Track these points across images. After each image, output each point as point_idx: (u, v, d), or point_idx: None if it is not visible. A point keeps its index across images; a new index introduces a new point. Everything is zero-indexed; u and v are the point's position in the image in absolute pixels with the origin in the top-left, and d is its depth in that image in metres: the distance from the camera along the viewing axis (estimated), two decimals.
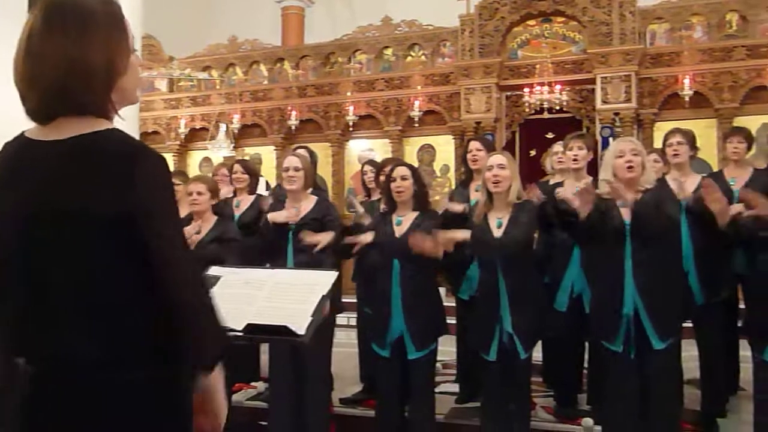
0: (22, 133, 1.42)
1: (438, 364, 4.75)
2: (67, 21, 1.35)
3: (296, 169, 3.98)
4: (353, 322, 5.44)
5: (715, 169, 7.66)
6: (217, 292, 1.92)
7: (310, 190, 4.44)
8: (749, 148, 4.63)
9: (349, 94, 9.94)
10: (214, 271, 2.06)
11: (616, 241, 3.34)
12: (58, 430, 1.33)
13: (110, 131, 1.37)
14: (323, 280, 1.96)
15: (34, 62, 1.35)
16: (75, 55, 1.33)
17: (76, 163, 1.33)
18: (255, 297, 1.87)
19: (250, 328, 1.76)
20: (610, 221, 3.36)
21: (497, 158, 3.64)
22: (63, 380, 1.32)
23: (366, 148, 10.18)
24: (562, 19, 9.23)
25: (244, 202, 5.14)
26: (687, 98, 8.34)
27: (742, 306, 4.06)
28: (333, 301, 3.75)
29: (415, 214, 3.75)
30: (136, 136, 8.56)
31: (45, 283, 1.33)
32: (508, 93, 9.38)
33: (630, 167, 3.36)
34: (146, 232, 1.32)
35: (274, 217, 3.97)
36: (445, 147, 9.74)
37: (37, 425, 1.32)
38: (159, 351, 1.36)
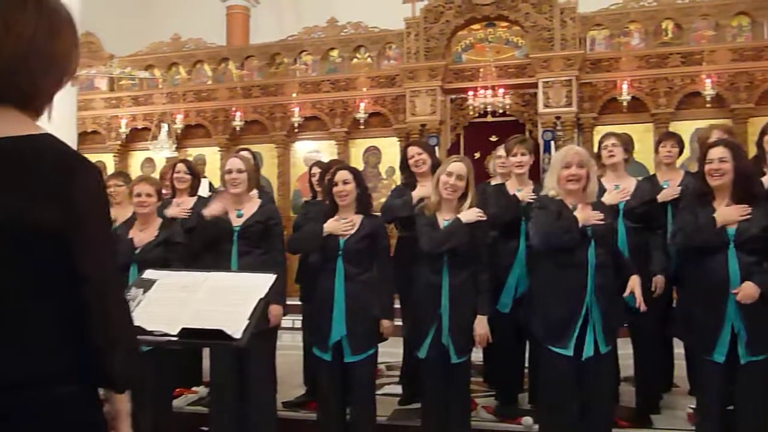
0: None
1: (382, 366, 4.78)
2: (39, 9, 1.29)
3: (239, 171, 3.95)
4: (298, 324, 5.40)
5: (651, 172, 7.93)
6: (152, 296, 1.89)
7: (254, 192, 4.41)
8: (681, 152, 4.79)
9: (294, 95, 9.89)
10: (149, 274, 2.02)
11: (580, 246, 3.39)
12: None
13: (46, 137, 1.29)
14: (262, 282, 1.94)
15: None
16: (43, 42, 1.28)
17: (11, 169, 1.24)
18: (190, 300, 1.84)
19: (185, 333, 1.73)
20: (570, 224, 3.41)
21: (459, 167, 3.63)
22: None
23: (311, 150, 10.14)
24: (506, 23, 9.37)
25: (185, 204, 5.04)
26: (625, 103, 8.58)
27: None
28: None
29: (359, 217, 3.76)
30: (74, 136, 8.37)
31: None
32: (453, 96, 9.48)
33: (571, 180, 3.38)
34: (76, 249, 1.26)
35: (210, 211, 3.93)
36: (390, 149, 9.77)
37: None
38: (79, 369, 1.30)
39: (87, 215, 1.27)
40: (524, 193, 4.21)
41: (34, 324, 1.27)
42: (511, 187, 4.35)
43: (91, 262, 1.28)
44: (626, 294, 3.37)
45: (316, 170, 5.05)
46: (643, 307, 3.38)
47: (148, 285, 1.92)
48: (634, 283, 3.38)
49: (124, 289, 1.44)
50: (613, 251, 3.50)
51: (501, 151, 4.88)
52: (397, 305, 4.55)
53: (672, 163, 4.68)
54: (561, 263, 3.40)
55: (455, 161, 3.72)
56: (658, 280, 4.10)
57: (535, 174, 3.81)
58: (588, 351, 3.34)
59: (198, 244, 3.97)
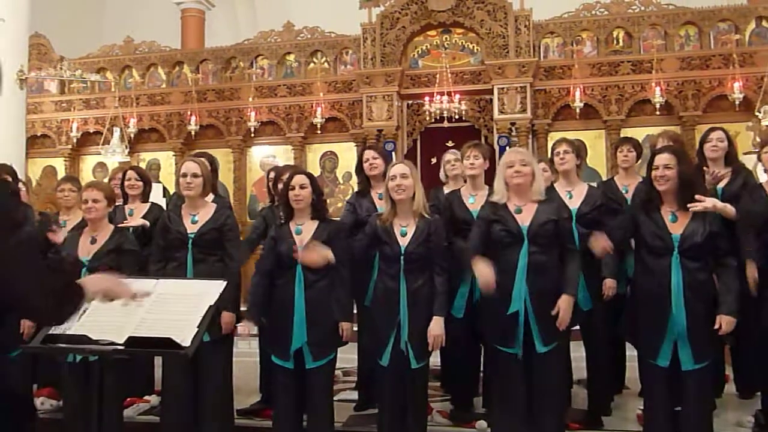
0: None
1: (338, 372, 4.74)
2: None
3: (194, 176, 3.89)
4: (254, 330, 5.34)
5: (604, 178, 8.08)
6: (97, 305, 1.84)
7: (210, 197, 4.35)
8: (639, 157, 4.85)
9: (250, 99, 9.81)
10: None
11: (512, 245, 3.47)
12: None
13: None
14: (211, 289, 1.92)
15: None
16: None
17: None
18: (138, 308, 1.81)
19: (132, 341, 1.69)
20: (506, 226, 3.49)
21: (400, 168, 3.69)
22: None
23: (268, 155, 10.07)
24: (462, 30, 9.46)
25: (138, 210, 4.95)
26: (578, 110, 8.74)
27: None
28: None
29: (315, 222, 3.74)
30: (23, 140, 8.16)
31: None
32: (410, 101, 9.53)
33: (517, 176, 3.53)
34: None
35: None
36: (347, 154, 9.77)
37: None
38: None
39: None
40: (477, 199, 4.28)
41: None
42: (466, 193, 4.38)
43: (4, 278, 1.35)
44: (554, 312, 3.44)
45: (273, 175, 5.00)
46: (562, 328, 3.47)
47: None
48: (562, 304, 3.46)
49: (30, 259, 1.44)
50: (563, 251, 3.55)
51: (449, 155, 4.92)
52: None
53: (630, 167, 4.75)
54: (494, 264, 3.48)
55: (394, 164, 3.83)
56: (608, 284, 4.17)
57: (491, 180, 3.86)
58: (521, 350, 3.44)
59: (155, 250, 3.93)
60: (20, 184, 5.30)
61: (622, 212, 4.26)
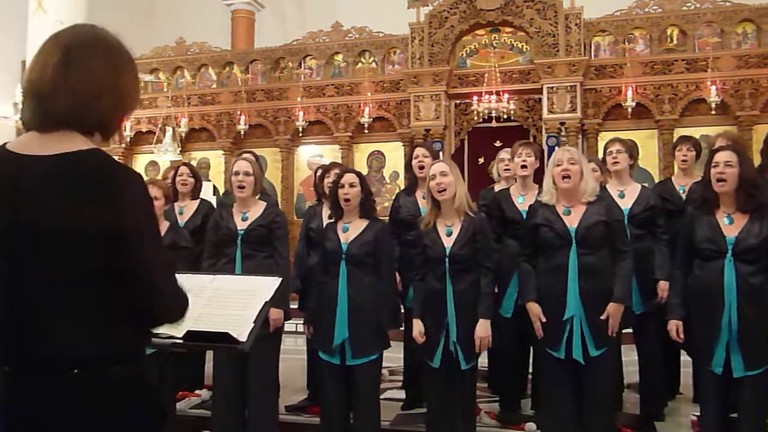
0: (4, 146, 1.50)
1: (384, 371, 4.76)
2: (112, 52, 1.53)
3: (246, 174, 3.94)
4: (301, 328, 5.39)
5: (656, 179, 7.92)
6: None
7: (258, 195, 4.41)
8: (698, 156, 4.70)
9: (298, 99, 9.90)
10: None
11: (561, 248, 3.43)
12: (34, 427, 1.42)
13: (94, 151, 1.46)
14: (266, 286, 1.94)
15: (73, 73, 1.45)
16: (114, 79, 1.50)
17: (63, 180, 1.42)
18: (195, 303, 1.83)
19: (190, 335, 1.72)
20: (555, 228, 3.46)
21: (439, 166, 3.68)
22: (39, 378, 1.41)
23: (315, 154, 10.15)
24: (510, 29, 9.38)
25: (188, 207, 5.04)
26: (629, 109, 8.57)
27: None
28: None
29: (363, 221, 3.76)
30: None
31: (26, 290, 1.42)
32: (457, 101, 9.49)
33: (565, 176, 3.47)
34: (128, 249, 1.43)
35: None
36: (394, 153, 9.78)
37: (15, 423, 1.42)
38: (133, 350, 1.50)
39: (133, 217, 1.43)
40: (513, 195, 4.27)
41: (90, 311, 1.44)
42: (515, 192, 4.35)
43: (144, 260, 1.46)
44: (603, 317, 3.39)
45: (321, 172, 5.04)
46: (612, 334, 3.42)
47: None
48: (611, 310, 3.40)
49: (174, 276, 1.58)
50: (614, 252, 3.49)
51: (504, 154, 4.88)
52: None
53: (689, 167, 4.63)
54: (543, 266, 3.50)
55: (433, 163, 3.83)
56: (662, 286, 4.08)
57: (541, 181, 3.82)
58: (576, 354, 3.38)
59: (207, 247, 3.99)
60: None
61: (677, 213, 4.16)
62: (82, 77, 1.46)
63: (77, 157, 1.43)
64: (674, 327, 3.41)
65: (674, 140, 5.45)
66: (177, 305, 1.56)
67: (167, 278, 1.53)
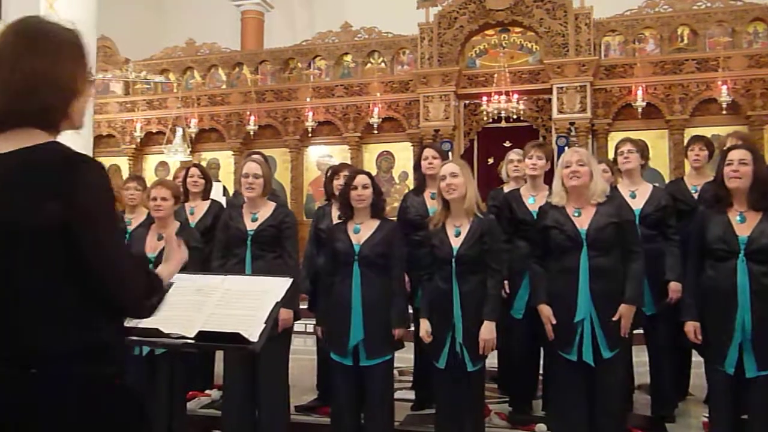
0: None
1: (394, 371, 4.75)
2: (39, 41, 1.50)
3: (256, 176, 3.94)
4: (310, 328, 5.40)
5: (667, 179, 7.88)
6: (168, 300, 1.88)
7: (267, 196, 4.41)
8: (711, 156, 4.66)
9: (308, 99, 9.92)
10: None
11: (572, 250, 3.41)
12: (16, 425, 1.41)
13: (51, 144, 1.48)
14: (277, 286, 1.94)
15: (7, 71, 1.47)
16: (46, 68, 1.47)
17: (18, 176, 1.42)
18: (206, 303, 1.84)
19: (202, 336, 1.73)
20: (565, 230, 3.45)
21: (449, 167, 3.66)
22: (18, 377, 1.41)
23: (325, 155, 10.17)
24: (520, 29, 9.37)
25: (199, 208, 5.06)
26: (639, 109, 8.55)
27: None
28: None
29: (375, 222, 3.76)
30: (90, 139, 8.46)
31: None
32: (467, 101, 9.49)
33: (573, 177, 3.46)
34: (86, 239, 1.42)
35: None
36: (403, 154, 9.79)
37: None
38: (102, 348, 1.47)
39: (89, 206, 1.43)
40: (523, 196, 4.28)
41: (50, 307, 1.43)
42: (526, 193, 4.34)
43: (102, 248, 1.45)
44: (614, 318, 3.37)
45: (330, 173, 5.04)
46: (624, 335, 3.40)
47: (165, 288, 1.92)
48: (623, 311, 3.39)
49: (138, 266, 1.59)
50: (625, 253, 3.47)
51: (513, 155, 4.87)
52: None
53: (701, 167, 4.59)
54: (554, 268, 3.48)
55: (444, 164, 3.81)
56: (673, 287, 4.06)
57: (551, 181, 3.80)
58: (587, 356, 3.36)
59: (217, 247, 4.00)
60: None
61: (689, 214, 4.14)
62: (14, 72, 1.45)
63: (31, 153, 1.44)
64: (692, 328, 3.39)
65: (685, 140, 5.43)
66: (140, 291, 1.54)
67: (128, 265, 1.52)
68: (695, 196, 4.42)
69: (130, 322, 1.78)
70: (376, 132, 9.65)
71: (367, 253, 3.67)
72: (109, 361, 1.49)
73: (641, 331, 4.19)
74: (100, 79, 10.13)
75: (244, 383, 3.86)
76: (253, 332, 1.71)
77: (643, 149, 4.45)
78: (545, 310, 3.48)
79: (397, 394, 4.69)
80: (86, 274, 1.43)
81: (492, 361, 4.04)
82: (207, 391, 4.87)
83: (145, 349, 3.69)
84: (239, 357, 3.78)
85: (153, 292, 1.61)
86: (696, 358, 4.22)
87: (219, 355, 4.70)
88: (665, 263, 4.08)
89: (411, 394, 4.73)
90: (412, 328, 4.42)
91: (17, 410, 1.40)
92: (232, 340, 1.73)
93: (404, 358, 4.74)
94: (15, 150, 1.44)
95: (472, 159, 9.30)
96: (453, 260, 3.55)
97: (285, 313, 3.84)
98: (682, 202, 4.38)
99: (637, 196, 4.21)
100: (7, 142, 1.46)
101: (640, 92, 8.53)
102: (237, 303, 1.82)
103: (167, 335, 1.72)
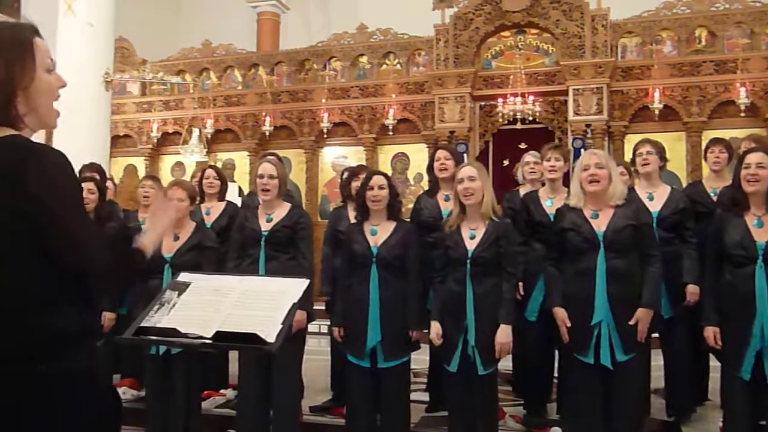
0: None
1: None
2: None
3: (271, 177, 3.94)
4: (324, 329, 5.40)
5: (684, 182, 7.82)
6: (186, 299, 1.90)
7: (282, 197, 4.42)
8: (730, 158, 4.59)
9: (323, 101, 9.94)
10: (184, 277, 2.03)
11: (589, 252, 3.39)
12: None
13: (10, 137, 1.49)
14: (294, 287, 1.94)
15: None
16: None
17: None
18: (224, 304, 1.85)
19: (219, 336, 1.73)
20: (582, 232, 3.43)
21: (467, 170, 3.63)
22: None
23: (340, 156, 10.18)
24: (536, 30, 9.33)
25: (215, 209, 5.08)
26: (656, 111, 8.48)
27: None
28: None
29: (391, 223, 3.76)
30: (108, 139, 8.51)
31: None
32: (482, 103, 9.46)
33: (592, 181, 3.43)
34: (43, 220, 1.44)
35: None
36: (418, 155, 9.78)
37: None
38: (69, 343, 1.48)
39: (47, 193, 1.45)
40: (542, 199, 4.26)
41: (24, 301, 1.45)
42: (544, 195, 4.32)
43: (57, 226, 1.47)
44: (631, 322, 3.34)
45: (347, 175, 5.04)
46: (641, 339, 3.37)
47: (182, 288, 1.93)
48: (640, 315, 3.35)
49: (100, 236, 1.60)
50: (643, 256, 3.44)
51: (529, 157, 4.85)
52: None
53: (720, 170, 4.54)
54: (570, 270, 3.46)
55: (462, 167, 3.76)
56: (691, 290, 4.02)
57: (567, 183, 3.79)
58: (605, 359, 3.33)
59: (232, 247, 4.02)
60: (108, 182, 5.53)
61: (708, 216, 4.10)
62: None
63: None
64: (711, 334, 3.36)
65: (702, 143, 5.38)
66: (103, 257, 1.55)
67: (89, 235, 1.54)
68: (714, 198, 4.38)
69: (147, 322, 1.80)
70: (391, 133, 9.64)
71: (384, 255, 3.67)
72: (73, 354, 1.48)
73: (656, 335, 4.16)
74: (117, 79, 10.19)
75: (259, 383, 3.87)
76: (270, 333, 1.72)
77: (661, 151, 4.41)
78: (560, 313, 3.46)
79: (412, 396, 4.68)
80: (48, 260, 1.45)
81: (507, 363, 4.03)
82: (222, 391, 4.89)
83: (162, 349, 3.72)
84: (254, 357, 3.79)
85: (128, 263, 1.63)
86: (714, 362, 4.19)
87: (234, 354, 4.71)
88: (683, 266, 4.05)
89: (425, 396, 4.72)
90: (427, 330, 4.42)
91: None
92: (250, 341, 1.74)
93: (418, 359, 4.73)
94: None
95: (487, 161, 9.28)
96: (468, 262, 3.53)
97: (299, 314, 3.84)
98: (701, 204, 4.33)
99: (655, 199, 4.18)
100: None
101: (657, 94, 8.47)
102: (254, 304, 1.83)
103: (185, 335, 1.73)
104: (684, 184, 7.04)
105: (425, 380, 4.94)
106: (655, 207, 4.09)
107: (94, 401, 1.53)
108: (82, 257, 1.49)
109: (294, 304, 1.85)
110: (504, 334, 3.48)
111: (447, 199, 4.21)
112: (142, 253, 1.69)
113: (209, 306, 1.84)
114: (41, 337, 1.45)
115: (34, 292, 1.45)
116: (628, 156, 7.09)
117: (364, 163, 9.23)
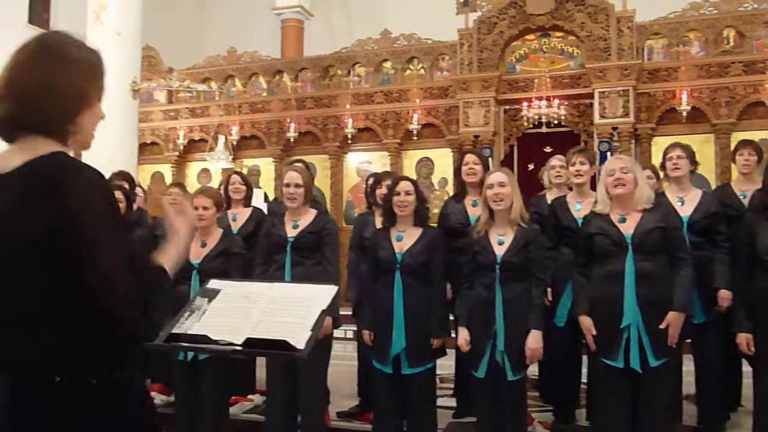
0: None
1: (436, 378, 4.73)
2: (53, 54, 1.54)
3: (297, 186, 3.95)
4: (350, 334, 5.41)
5: (713, 185, 7.70)
6: (216, 306, 1.91)
7: (309, 204, 4.44)
8: (760, 160, 4.53)
9: (347, 106, 9.97)
10: (213, 284, 2.04)
11: (617, 254, 3.36)
12: None
13: (53, 154, 1.50)
14: (323, 294, 1.94)
15: (15, 77, 1.51)
16: (52, 80, 1.50)
17: (18, 194, 1.46)
18: (253, 310, 1.86)
19: (250, 343, 1.74)
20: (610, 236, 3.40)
21: (498, 176, 3.62)
22: (26, 388, 1.43)
23: (364, 161, 10.20)
24: (560, 33, 9.28)
25: (241, 215, 5.12)
26: (684, 113, 8.38)
27: None
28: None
29: (418, 229, 3.75)
30: (135, 147, 8.62)
31: None
32: (507, 107, 9.43)
33: (618, 185, 3.40)
34: (77, 249, 1.43)
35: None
36: (443, 160, 9.77)
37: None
38: (108, 356, 1.50)
39: (80, 216, 1.43)
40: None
41: (58, 318, 1.45)
42: (572, 200, 4.28)
43: (90, 261, 1.45)
44: (662, 326, 3.29)
45: (372, 181, 5.05)
46: (671, 344, 3.32)
47: (212, 294, 1.94)
48: (671, 319, 3.30)
49: (133, 285, 1.55)
50: (673, 261, 3.40)
51: (555, 161, 4.81)
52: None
53: (750, 172, 4.45)
54: (599, 274, 3.42)
55: (492, 172, 3.74)
56: (722, 295, 3.96)
57: (594, 187, 3.75)
58: (634, 363, 3.29)
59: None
60: (138, 189, 5.59)
61: (737, 220, 4.03)
62: (21, 80, 1.50)
63: (31, 168, 1.47)
64: (744, 340, 3.32)
65: (731, 145, 5.29)
66: (126, 298, 1.52)
67: (116, 273, 1.51)
68: (744, 202, 4.31)
69: (178, 328, 1.82)
70: (415, 138, 9.65)
71: (408, 262, 3.66)
72: (119, 364, 1.50)
73: (688, 341, 4.10)
74: (145, 88, 10.32)
75: (286, 389, 3.89)
76: (299, 340, 1.72)
77: (692, 155, 4.34)
78: (586, 322, 3.43)
79: (439, 402, 4.66)
80: (79, 285, 1.44)
81: (532, 368, 3.99)
82: (249, 396, 4.91)
83: (190, 354, 3.74)
84: (281, 363, 3.81)
85: (149, 287, 1.64)
86: (747, 368, 4.12)
87: (261, 360, 4.73)
88: (714, 271, 3.99)
89: (452, 402, 4.70)
90: (453, 336, 4.40)
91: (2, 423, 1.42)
92: (279, 348, 1.74)
93: (445, 365, 4.72)
94: (17, 167, 1.49)
95: (512, 165, 9.24)
96: (497, 267, 3.51)
97: (326, 320, 3.84)
98: (731, 207, 4.26)
99: (686, 203, 4.12)
100: (16, 154, 1.50)
101: (684, 96, 8.37)
102: (284, 310, 1.83)
103: (216, 342, 1.74)
104: (713, 187, 6.92)
105: (452, 386, 4.92)
106: (685, 211, 4.04)
107: (136, 411, 1.55)
108: (103, 286, 1.47)
109: (323, 310, 1.85)
110: (535, 339, 3.46)
111: (475, 204, 4.20)
112: (164, 271, 1.69)
113: (239, 313, 1.84)
114: (87, 349, 1.47)
115: (77, 305, 1.46)
116: (655, 159, 7.01)
117: (388, 168, 9.24)
